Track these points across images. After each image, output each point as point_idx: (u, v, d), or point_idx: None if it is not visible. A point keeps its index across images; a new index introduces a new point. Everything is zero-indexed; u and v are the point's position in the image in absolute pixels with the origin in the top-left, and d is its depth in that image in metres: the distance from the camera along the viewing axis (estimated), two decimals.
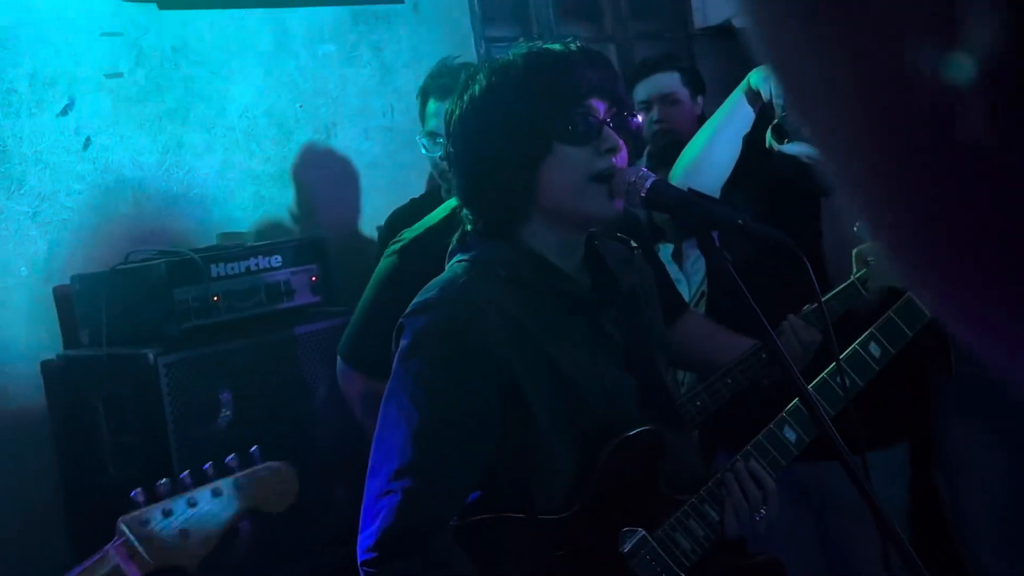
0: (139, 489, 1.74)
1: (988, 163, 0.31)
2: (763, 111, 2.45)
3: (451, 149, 1.90)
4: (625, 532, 1.80)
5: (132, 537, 1.71)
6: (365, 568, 1.76)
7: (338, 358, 2.64)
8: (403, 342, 1.80)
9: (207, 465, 1.79)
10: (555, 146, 1.80)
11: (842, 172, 0.37)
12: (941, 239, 0.35)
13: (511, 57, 1.85)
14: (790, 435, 1.94)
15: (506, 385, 1.77)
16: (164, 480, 1.76)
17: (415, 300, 1.84)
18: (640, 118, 1.99)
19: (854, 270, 2.20)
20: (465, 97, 1.86)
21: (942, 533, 2.77)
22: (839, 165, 0.37)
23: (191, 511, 1.76)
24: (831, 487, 2.58)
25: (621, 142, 1.82)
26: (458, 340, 1.78)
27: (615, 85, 1.88)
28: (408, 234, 2.53)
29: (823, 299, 2.12)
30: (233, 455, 1.81)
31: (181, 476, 1.77)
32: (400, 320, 1.83)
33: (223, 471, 1.80)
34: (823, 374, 2.00)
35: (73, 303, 2.88)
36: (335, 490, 2.76)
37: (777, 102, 2.38)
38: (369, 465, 1.80)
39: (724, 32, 4.39)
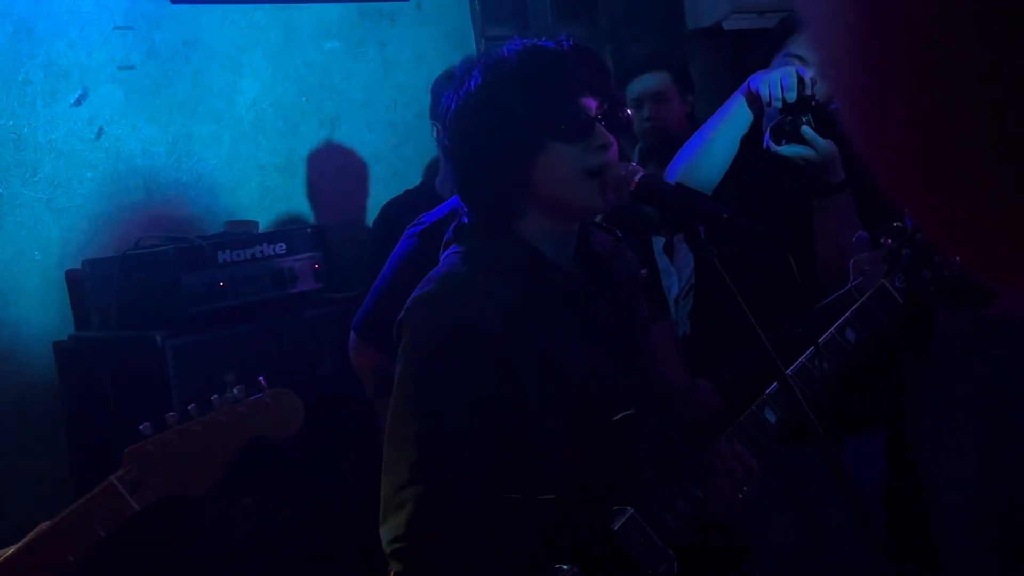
0: (147, 423, 1.64)
1: None
2: (759, 113, 2.34)
3: (447, 143, 1.83)
4: (615, 510, 1.74)
5: (136, 467, 1.61)
6: (396, 558, 1.66)
7: (352, 333, 2.59)
8: (405, 338, 1.75)
9: (214, 396, 1.68)
10: (548, 144, 1.73)
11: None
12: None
13: (505, 54, 1.77)
14: (770, 416, 1.88)
15: (501, 372, 1.71)
16: (171, 412, 1.65)
17: (414, 294, 1.77)
18: (630, 114, 1.92)
19: (851, 278, 2.10)
20: (461, 92, 1.78)
21: (918, 515, 2.64)
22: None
23: (197, 441, 1.64)
24: (809, 471, 2.46)
25: (612, 138, 1.76)
26: (455, 333, 1.72)
27: (606, 81, 1.80)
28: (428, 218, 2.47)
29: (823, 304, 2.11)
30: (240, 386, 1.69)
31: (188, 407, 1.66)
32: (400, 315, 1.76)
33: (228, 401, 1.69)
34: (802, 358, 1.93)
35: (84, 287, 2.83)
36: (335, 465, 2.75)
37: (776, 104, 2.27)
38: (385, 455, 1.72)
39: (715, 33, 4.28)
